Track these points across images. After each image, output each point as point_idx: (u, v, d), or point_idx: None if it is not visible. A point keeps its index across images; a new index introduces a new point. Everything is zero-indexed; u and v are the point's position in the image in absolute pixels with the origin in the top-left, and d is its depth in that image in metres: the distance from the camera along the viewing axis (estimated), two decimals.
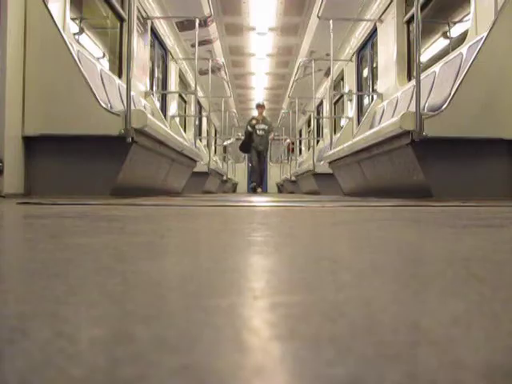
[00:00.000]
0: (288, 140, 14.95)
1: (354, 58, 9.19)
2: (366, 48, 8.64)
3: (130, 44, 4.14)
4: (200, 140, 12.04)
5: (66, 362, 0.31)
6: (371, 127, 6.41)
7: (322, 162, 8.39)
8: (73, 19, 5.69)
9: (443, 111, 3.93)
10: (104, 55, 7.26)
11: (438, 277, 0.63)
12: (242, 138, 12.45)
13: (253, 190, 11.41)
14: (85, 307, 0.46)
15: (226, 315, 0.43)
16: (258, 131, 11.33)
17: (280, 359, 0.33)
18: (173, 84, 9.57)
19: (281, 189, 16.65)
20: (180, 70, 10.38)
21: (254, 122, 11.49)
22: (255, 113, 12.32)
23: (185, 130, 10.56)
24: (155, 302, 0.48)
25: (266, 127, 11.48)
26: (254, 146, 11.47)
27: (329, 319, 0.42)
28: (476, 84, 3.97)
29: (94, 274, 0.63)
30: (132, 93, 4.37)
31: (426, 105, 4.93)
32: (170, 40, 8.98)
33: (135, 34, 6.55)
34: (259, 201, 4.15)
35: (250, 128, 11.42)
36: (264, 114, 11.78)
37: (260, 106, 11.68)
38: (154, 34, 8.13)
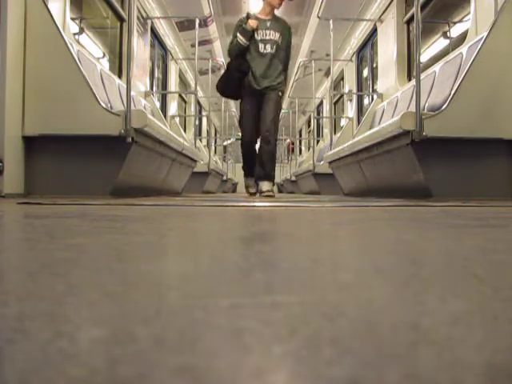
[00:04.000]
0: (288, 140, 14.95)
1: (354, 58, 9.19)
2: (365, 48, 8.64)
3: (130, 44, 4.14)
4: (200, 140, 12.04)
5: (66, 361, 0.31)
6: (371, 127, 6.41)
7: (321, 162, 8.39)
8: (73, 19, 5.70)
9: (443, 111, 3.93)
10: (104, 55, 7.26)
11: (438, 277, 0.63)
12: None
13: (247, 191, 5.61)
14: (85, 307, 0.46)
15: (226, 315, 0.43)
16: (260, 45, 5.11)
17: (280, 359, 0.33)
18: (173, 84, 9.57)
19: (281, 189, 16.66)
20: (180, 70, 10.38)
21: (251, 23, 5.07)
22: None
23: (185, 130, 10.56)
24: (155, 302, 0.48)
25: (281, 38, 5.19)
26: (248, 83, 5.17)
27: (329, 319, 0.42)
28: (476, 84, 3.97)
29: (94, 274, 0.63)
30: (132, 93, 4.37)
31: (426, 105, 4.93)
32: (170, 40, 8.98)
33: (135, 34, 6.55)
34: (259, 201, 4.15)
35: (242, 38, 5.10)
36: (277, 12, 5.33)
37: None
38: (154, 34, 8.14)
